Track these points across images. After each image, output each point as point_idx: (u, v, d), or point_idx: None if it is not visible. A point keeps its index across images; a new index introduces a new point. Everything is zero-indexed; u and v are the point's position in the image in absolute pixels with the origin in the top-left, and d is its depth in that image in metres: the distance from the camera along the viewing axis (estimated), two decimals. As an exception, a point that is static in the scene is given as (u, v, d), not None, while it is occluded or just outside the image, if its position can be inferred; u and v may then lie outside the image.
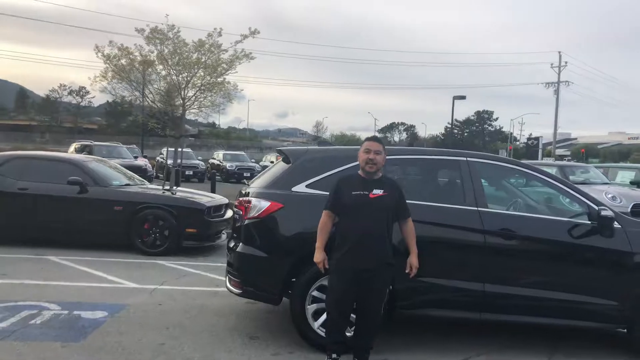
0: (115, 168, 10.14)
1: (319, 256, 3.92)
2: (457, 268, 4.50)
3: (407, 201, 4.58)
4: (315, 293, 4.43)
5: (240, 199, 4.83)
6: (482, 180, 4.71)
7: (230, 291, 4.78)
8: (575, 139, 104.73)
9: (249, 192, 4.78)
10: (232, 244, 4.84)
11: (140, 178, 10.36)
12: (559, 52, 51.82)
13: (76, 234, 8.49)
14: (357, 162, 4.26)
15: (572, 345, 5.01)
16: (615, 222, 4.46)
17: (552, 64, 52.15)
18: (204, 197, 9.55)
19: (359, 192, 3.85)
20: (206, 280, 7.01)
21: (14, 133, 61.76)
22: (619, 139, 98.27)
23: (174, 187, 12.03)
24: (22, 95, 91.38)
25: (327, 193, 4.07)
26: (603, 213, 4.37)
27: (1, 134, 61.97)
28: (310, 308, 4.43)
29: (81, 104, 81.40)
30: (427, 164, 5.01)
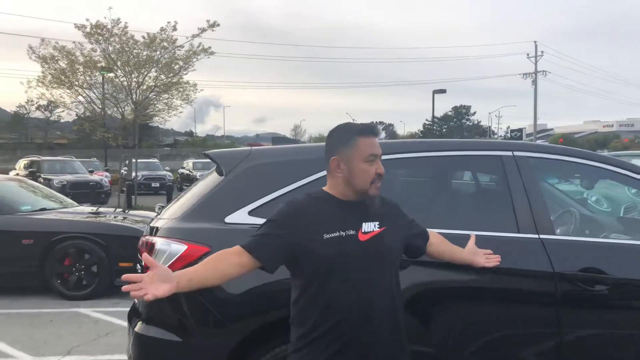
0: (32, 188, 8.12)
1: (160, 289, 1.77)
2: (512, 341, 2.66)
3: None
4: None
5: (144, 238, 2.92)
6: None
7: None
8: (552, 129, 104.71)
9: (157, 228, 2.87)
10: (132, 320, 2.91)
11: (67, 200, 8.35)
12: (535, 42, 50.91)
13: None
14: None
15: None
16: None
17: (528, 54, 51.24)
18: (149, 219, 7.60)
19: (337, 233, 1.92)
20: (136, 339, 5.08)
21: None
22: (594, 128, 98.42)
23: (126, 210, 10.08)
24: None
25: None
26: None
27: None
28: None
29: (50, 118, 78.45)
30: (448, 164, 3.12)
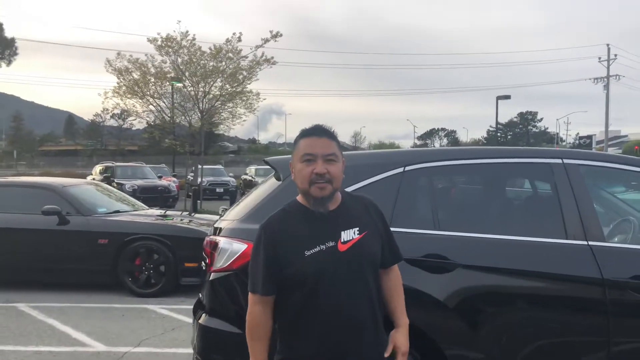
0: (107, 192, 8.70)
1: None
2: (560, 345, 2.70)
3: (464, 235, 2.85)
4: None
5: (209, 238, 3.17)
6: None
7: (196, 383, 3.10)
8: (626, 136, 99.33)
9: (220, 228, 3.12)
10: (197, 313, 3.16)
11: (138, 203, 8.89)
12: (607, 45, 48.57)
13: (55, 274, 7.08)
14: (390, 173, 2.58)
15: None
16: None
17: (599, 58, 48.99)
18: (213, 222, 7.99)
19: (318, 248, 1.93)
20: (200, 334, 5.38)
21: (63, 158, 63.50)
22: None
23: (192, 213, 10.63)
24: (70, 121, 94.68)
25: None
26: None
27: (51, 158, 64.28)
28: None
29: (123, 126, 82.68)
30: (496, 172, 3.20)
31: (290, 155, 3.52)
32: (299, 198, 2.07)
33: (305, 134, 2.03)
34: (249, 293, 2.02)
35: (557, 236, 2.78)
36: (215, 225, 3.27)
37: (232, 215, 3.22)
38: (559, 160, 2.96)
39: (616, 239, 3.14)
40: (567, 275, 2.71)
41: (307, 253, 1.92)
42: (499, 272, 2.72)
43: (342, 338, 1.94)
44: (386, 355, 2.06)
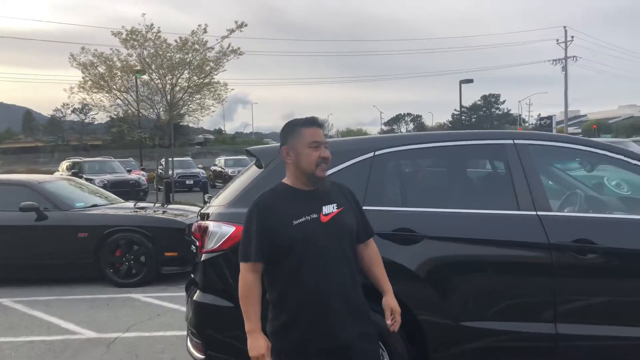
0: (82, 186, 8.80)
1: (257, 345, 2.25)
2: (514, 303, 3.09)
3: (429, 210, 3.21)
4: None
5: (198, 222, 3.44)
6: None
7: (192, 356, 3.39)
8: (585, 115, 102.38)
9: (208, 214, 3.39)
10: (190, 291, 3.44)
11: (113, 196, 9.01)
12: (564, 27, 50.05)
13: (36, 270, 7.21)
14: (362, 157, 2.89)
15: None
16: None
17: (557, 40, 50.44)
18: (189, 212, 8.19)
19: (304, 218, 2.26)
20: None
21: (23, 155, 61.50)
22: (630, 112, 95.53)
23: (165, 204, 10.77)
24: (28, 117, 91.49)
25: None
26: None
27: (9, 156, 62.22)
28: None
29: (85, 121, 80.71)
30: (455, 153, 3.55)
31: (269, 145, 3.84)
32: (286, 180, 2.40)
33: (307, 123, 2.34)
34: (241, 263, 2.32)
35: (510, 208, 3.16)
36: (203, 212, 3.55)
37: (218, 202, 3.50)
38: (511, 141, 3.33)
39: (566, 210, 3.55)
40: (518, 242, 3.09)
41: (295, 222, 2.25)
42: (459, 241, 3.08)
43: (326, 301, 2.25)
44: (388, 321, 2.43)
